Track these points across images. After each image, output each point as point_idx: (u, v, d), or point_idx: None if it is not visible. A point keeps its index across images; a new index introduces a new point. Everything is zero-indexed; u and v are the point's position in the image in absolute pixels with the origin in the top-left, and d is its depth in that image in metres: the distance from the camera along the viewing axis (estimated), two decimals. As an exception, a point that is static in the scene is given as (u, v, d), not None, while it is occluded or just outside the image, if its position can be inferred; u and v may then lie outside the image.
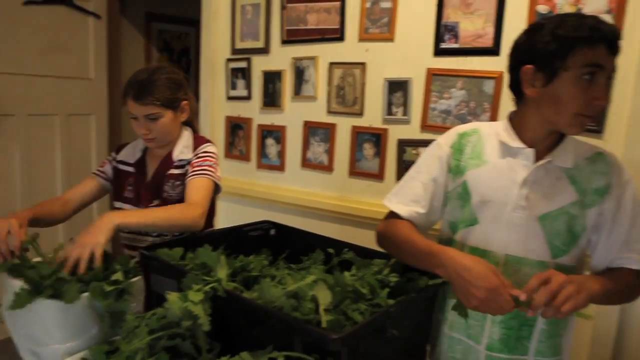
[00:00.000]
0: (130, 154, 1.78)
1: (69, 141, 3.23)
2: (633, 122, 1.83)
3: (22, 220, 1.40)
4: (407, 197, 1.35)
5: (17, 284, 1.18)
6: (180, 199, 1.64)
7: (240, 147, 3.01)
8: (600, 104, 1.14)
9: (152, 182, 1.70)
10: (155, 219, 1.48)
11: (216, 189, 1.70)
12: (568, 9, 1.90)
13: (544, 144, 1.25)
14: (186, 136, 1.74)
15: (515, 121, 1.30)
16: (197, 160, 1.68)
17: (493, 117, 2.11)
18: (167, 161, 1.70)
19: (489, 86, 2.10)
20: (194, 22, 3.08)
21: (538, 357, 1.25)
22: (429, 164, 1.37)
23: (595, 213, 1.22)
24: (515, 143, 1.26)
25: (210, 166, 1.67)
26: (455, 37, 2.14)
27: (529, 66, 1.19)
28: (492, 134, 1.33)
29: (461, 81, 2.15)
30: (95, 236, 1.30)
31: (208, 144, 1.74)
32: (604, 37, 1.13)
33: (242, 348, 0.98)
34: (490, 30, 2.06)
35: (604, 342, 1.94)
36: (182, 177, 1.67)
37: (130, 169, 1.75)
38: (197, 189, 1.60)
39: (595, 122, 1.89)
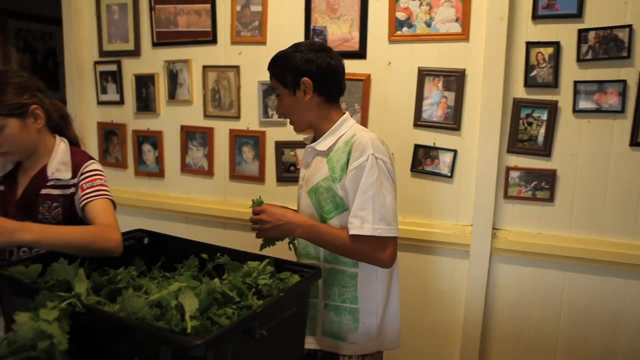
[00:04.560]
0: (0, 167, 1.58)
1: None
2: (483, 122, 2.04)
3: None
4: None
5: None
6: (58, 223, 1.50)
7: (115, 154, 2.86)
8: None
9: (22, 199, 1.52)
10: (71, 240, 1.31)
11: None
12: (422, 16, 2.06)
13: None
14: (62, 150, 1.57)
15: None
16: (86, 181, 1.52)
17: (364, 118, 2.22)
18: (40, 178, 1.53)
19: (358, 88, 2.20)
20: (58, 21, 2.86)
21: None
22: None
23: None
24: None
25: (102, 185, 1.53)
26: (324, 40, 2.22)
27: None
28: None
29: (332, 83, 2.23)
30: None
31: (91, 161, 1.59)
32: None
33: (109, 364, 0.94)
34: (356, 34, 2.17)
35: (474, 321, 2.16)
36: (60, 199, 1.52)
37: (0, 182, 1.57)
38: (103, 211, 1.47)
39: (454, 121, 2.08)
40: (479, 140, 2.06)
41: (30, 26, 3.83)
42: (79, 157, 1.59)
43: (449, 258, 2.20)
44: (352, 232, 1.41)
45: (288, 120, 1.60)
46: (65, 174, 1.53)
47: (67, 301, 1.00)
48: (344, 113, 1.55)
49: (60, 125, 1.63)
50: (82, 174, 1.54)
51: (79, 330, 1.00)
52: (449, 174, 2.14)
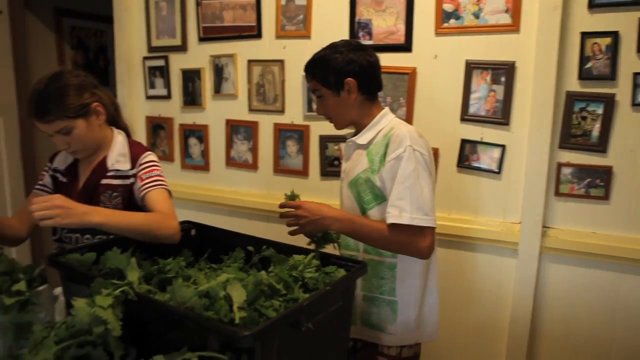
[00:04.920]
0: (62, 160, 1.66)
1: (-27, 145, 3.01)
2: (534, 116, 1.97)
3: None
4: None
5: None
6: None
7: (162, 147, 2.93)
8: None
9: (84, 190, 1.59)
10: (136, 224, 1.38)
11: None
12: (471, 8, 2.01)
13: None
14: (120, 142, 1.63)
15: None
16: (144, 172, 1.58)
17: (409, 112, 2.19)
18: (101, 169, 1.59)
19: (403, 82, 2.17)
20: (109, 19, 2.96)
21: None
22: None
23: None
24: None
25: (159, 175, 1.60)
26: (369, 34, 2.20)
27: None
28: None
29: (377, 77, 2.21)
30: (68, 217, 1.23)
31: (148, 152, 1.64)
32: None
33: (159, 352, 0.96)
34: (401, 27, 2.14)
35: (521, 321, 2.10)
36: (120, 189, 1.58)
37: (61, 176, 1.65)
38: (162, 200, 1.53)
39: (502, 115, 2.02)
40: (529, 135, 1.99)
41: (84, 24, 3.96)
42: (136, 149, 1.65)
43: (496, 256, 2.14)
44: (390, 220, 1.41)
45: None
46: (125, 165, 1.60)
47: (120, 289, 1.03)
48: (384, 108, 1.58)
49: (114, 116, 1.68)
50: (140, 165, 1.60)
51: (131, 317, 1.02)
52: (497, 170, 2.08)
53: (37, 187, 1.68)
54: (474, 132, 2.11)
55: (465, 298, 2.21)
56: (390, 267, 1.54)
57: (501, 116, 2.03)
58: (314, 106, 2.38)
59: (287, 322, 0.99)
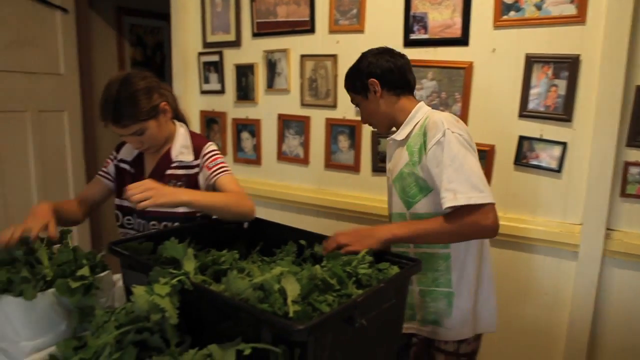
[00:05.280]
0: (128, 152, 1.75)
1: (41, 138, 3.16)
2: (600, 112, 1.88)
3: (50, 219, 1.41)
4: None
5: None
6: None
7: (216, 141, 2.99)
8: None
9: (151, 178, 1.62)
10: (217, 202, 1.53)
11: None
12: (533, -1, 1.93)
13: None
14: (182, 135, 1.72)
15: None
16: (209, 161, 1.69)
17: (464, 107, 2.13)
18: (165, 160, 1.69)
19: (459, 76, 2.12)
20: (166, 16, 3.05)
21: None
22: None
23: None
24: None
25: (223, 162, 1.71)
26: (425, 27, 2.15)
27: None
28: None
29: (432, 72, 2.17)
30: (162, 196, 1.36)
31: (209, 143, 1.74)
32: None
33: (214, 341, 0.98)
34: (458, 20, 2.08)
35: (581, 326, 2.01)
36: (184, 178, 1.68)
37: (129, 167, 1.74)
38: (233, 183, 1.67)
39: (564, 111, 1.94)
40: (594, 132, 1.89)
41: (142, 22, 4.10)
42: (198, 141, 1.74)
43: (553, 258, 2.06)
44: (446, 205, 1.37)
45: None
46: (188, 157, 1.69)
47: (177, 278, 1.05)
48: (419, 102, 1.59)
49: (175, 109, 1.75)
50: (204, 157, 1.70)
51: (186, 306, 1.05)
52: (557, 168, 1.99)
53: (100, 173, 1.78)
54: (533, 128, 2.02)
55: (520, 300, 2.14)
56: (444, 258, 1.53)
57: (563, 112, 1.94)
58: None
59: (341, 318, 0.99)
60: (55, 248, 1.33)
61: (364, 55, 1.60)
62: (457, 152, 1.39)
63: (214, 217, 1.61)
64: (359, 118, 2.40)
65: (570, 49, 1.91)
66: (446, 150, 1.40)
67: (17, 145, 3.05)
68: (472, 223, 1.37)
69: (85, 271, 1.19)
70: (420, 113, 1.56)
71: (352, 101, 1.67)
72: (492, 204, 1.39)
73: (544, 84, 1.96)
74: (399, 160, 1.56)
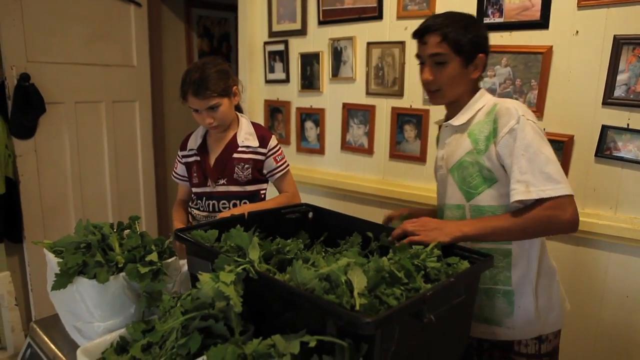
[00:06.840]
0: (193, 142, 1.96)
1: (114, 127, 3.32)
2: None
3: None
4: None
5: (56, 266, 1.21)
6: (248, 180, 1.88)
7: (279, 130, 3.00)
8: (424, 83, 1.47)
9: (217, 162, 1.88)
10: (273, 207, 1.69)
11: None
12: (624, -25, 1.77)
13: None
14: (245, 123, 1.92)
15: None
16: (276, 155, 1.92)
17: (541, 95, 2.00)
18: (232, 145, 1.88)
19: (536, 62, 1.99)
20: (233, 7, 3.08)
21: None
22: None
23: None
24: None
25: (284, 157, 1.96)
26: (500, 11, 2.03)
27: None
28: None
29: (506, 58, 2.05)
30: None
31: (272, 135, 1.94)
32: (415, 34, 1.46)
33: (277, 331, 0.96)
34: (537, 1, 1.95)
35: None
36: (250, 162, 1.88)
37: (195, 154, 1.93)
38: (291, 182, 1.98)
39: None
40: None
41: (209, 13, 4.18)
42: (262, 131, 1.94)
43: (637, 258, 1.90)
44: (516, 197, 1.29)
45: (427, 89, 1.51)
46: (253, 142, 1.89)
47: (242, 266, 1.05)
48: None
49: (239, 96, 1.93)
50: (271, 149, 1.90)
51: (250, 295, 1.04)
52: (646, 161, 1.83)
53: (176, 177, 2.03)
54: (618, 117, 1.87)
55: (598, 301, 1.99)
56: (505, 254, 1.42)
57: (654, 99, 1.78)
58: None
59: (409, 312, 0.94)
60: (125, 233, 1.37)
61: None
62: (531, 141, 1.30)
63: (277, 207, 1.70)
64: (426, 107, 2.33)
65: (665, 30, 1.74)
66: (520, 138, 1.31)
67: (94, 135, 3.22)
68: (549, 218, 1.28)
69: (153, 257, 1.21)
70: (484, 99, 1.46)
71: (434, 55, 1.41)
72: (571, 196, 1.28)
73: (635, 68, 1.80)
74: (457, 147, 1.46)
